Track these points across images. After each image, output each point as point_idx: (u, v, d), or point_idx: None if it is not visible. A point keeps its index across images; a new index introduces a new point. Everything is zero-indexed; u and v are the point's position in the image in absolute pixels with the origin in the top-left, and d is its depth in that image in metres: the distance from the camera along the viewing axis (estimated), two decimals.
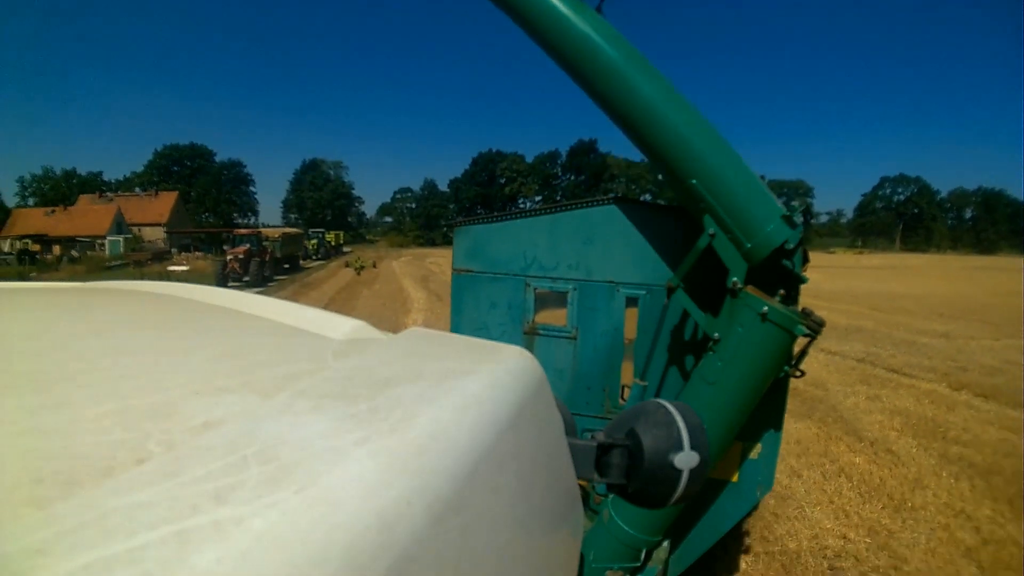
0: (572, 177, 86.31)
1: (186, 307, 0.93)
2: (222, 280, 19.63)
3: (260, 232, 24.96)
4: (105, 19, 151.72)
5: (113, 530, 0.25)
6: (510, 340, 3.10)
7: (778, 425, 2.57)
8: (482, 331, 3.15)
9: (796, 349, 2.22)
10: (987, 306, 15.73)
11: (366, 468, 0.33)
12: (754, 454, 2.60)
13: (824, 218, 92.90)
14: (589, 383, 2.93)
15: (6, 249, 38.82)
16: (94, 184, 73.25)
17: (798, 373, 2.25)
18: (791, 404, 3.02)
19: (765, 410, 2.44)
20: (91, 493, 0.28)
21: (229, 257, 21.16)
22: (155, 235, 48.02)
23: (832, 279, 23.72)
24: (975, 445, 5.25)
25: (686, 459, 0.64)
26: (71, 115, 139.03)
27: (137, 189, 69.06)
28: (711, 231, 2.16)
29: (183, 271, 23.67)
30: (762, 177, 2.23)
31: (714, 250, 2.21)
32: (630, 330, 2.87)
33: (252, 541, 0.26)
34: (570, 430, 0.68)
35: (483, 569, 0.40)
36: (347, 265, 29.27)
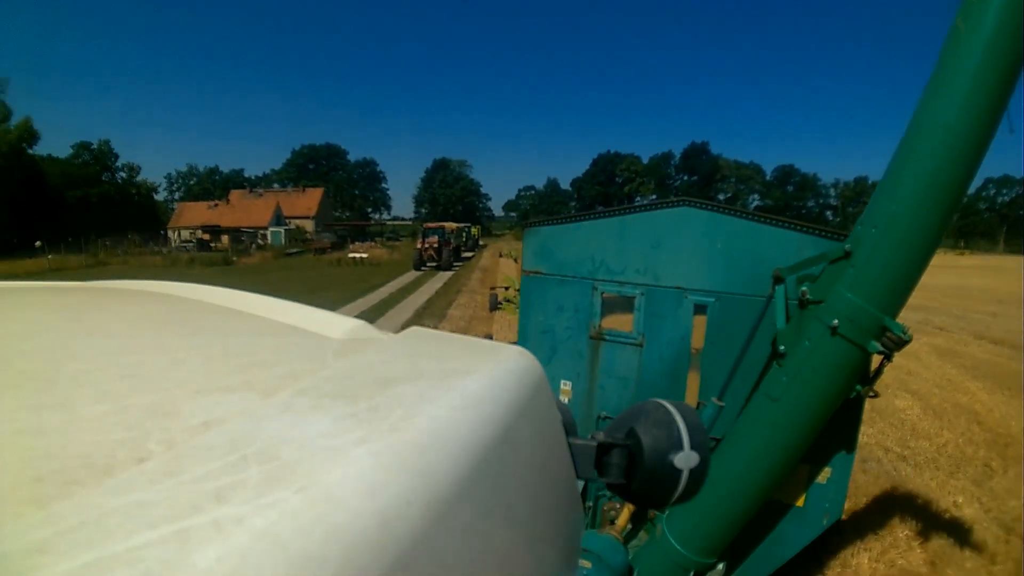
0: (685, 178, 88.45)
1: (186, 306, 0.93)
2: (419, 264, 24.88)
3: (444, 227, 29.58)
4: (244, 26, 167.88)
5: (113, 529, 0.25)
6: (576, 344, 3.03)
7: (850, 448, 2.38)
8: (548, 334, 3.06)
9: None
10: None
11: (366, 467, 0.33)
12: (822, 478, 2.43)
13: None
14: (655, 392, 2.76)
15: (175, 239, 45.78)
16: (237, 180, 79.93)
17: (872, 393, 2.06)
18: None
19: (835, 431, 2.26)
20: (91, 493, 0.28)
21: (426, 245, 25.78)
22: (306, 227, 52.63)
23: (924, 275, 25.88)
24: (972, 359, 8.95)
25: (686, 459, 0.64)
26: (211, 117, 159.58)
27: (275, 185, 75.47)
28: (848, 247, 1.91)
29: (362, 257, 29.55)
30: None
31: (829, 263, 1.98)
32: (697, 339, 2.71)
33: (252, 540, 0.26)
34: (570, 430, 0.68)
35: (483, 569, 0.40)
36: (501, 255, 32.00)
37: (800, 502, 2.47)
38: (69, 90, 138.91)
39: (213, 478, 0.30)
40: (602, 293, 2.90)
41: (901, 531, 3.94)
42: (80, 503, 0.27)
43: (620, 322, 2.95)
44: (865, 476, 4.69)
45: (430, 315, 12.56)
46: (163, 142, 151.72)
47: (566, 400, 3.09)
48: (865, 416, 5.67)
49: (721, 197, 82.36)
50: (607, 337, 2.92)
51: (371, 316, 12.04)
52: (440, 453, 0.38)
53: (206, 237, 43.16)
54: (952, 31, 1.70)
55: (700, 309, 2.68)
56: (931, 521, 4.05)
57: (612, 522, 2.71)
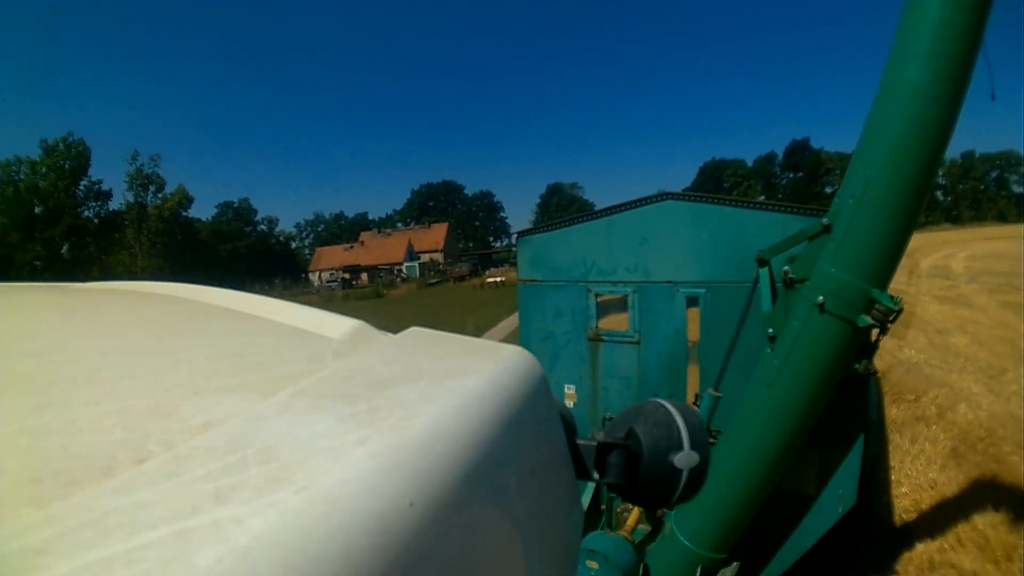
0: (791, 175, 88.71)
1: (186, 307, 0.93)
2: None
3: None
4: (354, 76, 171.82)
5: (113, 530, 0.25)
6: (576, 348, 3.05)
7: (862, 430, 2.32)
8: (548, 340, 3.10)
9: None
10: None
11: (366, 468, 0.33)
12: (833, 464, 2.38)
13: None
14: (655, 389, 2.79)
15: (316, 280, 52.84)
16: (362, 223, 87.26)
17: (870, 370, 2.01)
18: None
19: (843, 414, 2.22)
20: (91, 493, 0.28)
21: None
22: (437, 259, 57.73)
23: (1016, 246, 28.42)
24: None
25: (686, 459, 0.63)
26: (333, 167, 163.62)
27: (399, 224, 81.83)
28: (826, 221, 1.86)
29: (501, 280, 32.32)
30: None
31: (809, 240, 1.93)
32: (693, 332, 2.74)
33: (252, 541, 0.26)
34: (570, 430, 0.68)
35: (483, 569, 0.40)
36: None
37: (813, 490, 2.43)
38: (203, 154, 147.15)
39: (213, 479, 0.30)
40: (596, 295, 2.93)
41: (925, 398, 6.15)
42: (80, 503, 0.27)
43: (617, 322, 2.98)
44: (908, 376, 7.07)
45: None
46: (289, 193, 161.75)
47: (570, 404, 3.09)
48: (921, 347, 8.88)
49: (828, 191, 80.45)
50: (605, 338, 2.94)
51: None
52: (440, 454, 0.38)
53: (347, 276, 49.68)
54: None
55: (692, 301, 2.69)
56: (947, 396, 6.09)
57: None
